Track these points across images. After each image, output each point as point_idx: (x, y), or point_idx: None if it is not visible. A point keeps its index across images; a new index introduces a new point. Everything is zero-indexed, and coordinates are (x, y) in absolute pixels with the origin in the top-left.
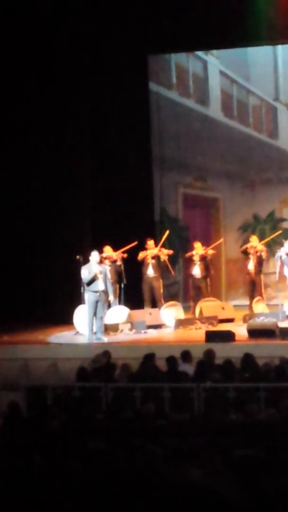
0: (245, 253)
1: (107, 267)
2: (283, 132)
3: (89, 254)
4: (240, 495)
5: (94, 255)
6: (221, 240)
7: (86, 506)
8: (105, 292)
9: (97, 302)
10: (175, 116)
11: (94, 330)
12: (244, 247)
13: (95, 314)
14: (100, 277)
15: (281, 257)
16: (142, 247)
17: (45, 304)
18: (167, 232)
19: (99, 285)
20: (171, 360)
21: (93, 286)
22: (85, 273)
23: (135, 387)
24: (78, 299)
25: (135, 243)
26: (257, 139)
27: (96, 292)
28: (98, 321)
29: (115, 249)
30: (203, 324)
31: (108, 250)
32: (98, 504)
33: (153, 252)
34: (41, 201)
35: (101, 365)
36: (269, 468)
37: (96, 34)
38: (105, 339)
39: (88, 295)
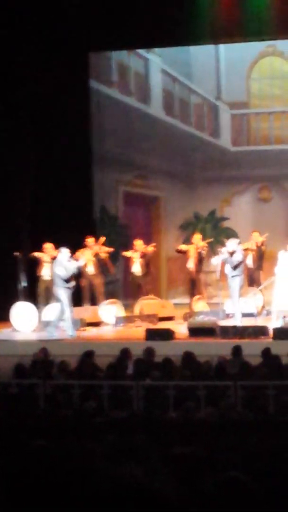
0: (180, 252)
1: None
2: (225, 131)
3: (27, 252)
4: (178, 493)
5: (65, 252)
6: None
7: (24, 504)
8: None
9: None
10: (116, 114)
11: (60, 324)
12: (179, 247)
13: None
14: None
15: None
16: (81, 244)
17: None
18: (103, 238)
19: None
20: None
21: (70, 283)
22: (61, 270)
23: (74, 384)
24: (15, 296)
25: None
26: (198, 138)
27: (70, 289)
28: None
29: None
30: (143, 322)
31: (49, 247)
32: (36, 502)
33: (92, 250)
34: None
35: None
36: (208, 466)
37: (37, 31)
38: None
39: (63, 292)
